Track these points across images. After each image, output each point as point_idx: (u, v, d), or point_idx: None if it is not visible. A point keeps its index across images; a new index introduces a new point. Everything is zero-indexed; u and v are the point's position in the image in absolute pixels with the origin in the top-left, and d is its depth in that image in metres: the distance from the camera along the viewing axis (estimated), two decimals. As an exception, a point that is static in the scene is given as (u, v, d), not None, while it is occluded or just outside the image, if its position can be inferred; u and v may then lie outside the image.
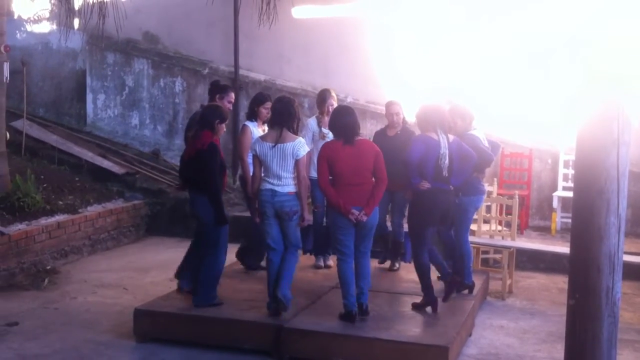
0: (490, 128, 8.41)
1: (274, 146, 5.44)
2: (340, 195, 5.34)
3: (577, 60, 3.01)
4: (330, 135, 6.79)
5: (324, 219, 7.04)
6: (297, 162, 5.45)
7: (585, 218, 2.99)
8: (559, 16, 3.02)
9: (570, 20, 3.04)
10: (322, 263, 7.11)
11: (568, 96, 3.05)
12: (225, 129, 5.83)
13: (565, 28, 3.04)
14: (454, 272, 6.11)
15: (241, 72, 10.76)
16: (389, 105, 6.82)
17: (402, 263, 7.06)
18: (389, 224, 7.02)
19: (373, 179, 5.45)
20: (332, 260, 7.07)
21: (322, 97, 6.95)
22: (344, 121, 5.44)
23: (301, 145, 5.48)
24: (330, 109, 6.91)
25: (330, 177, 5.43)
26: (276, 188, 5.44)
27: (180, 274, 6.22)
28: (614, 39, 2.96)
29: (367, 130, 9.49)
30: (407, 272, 6.81)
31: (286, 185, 5.45)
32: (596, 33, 2.96)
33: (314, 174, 6.83)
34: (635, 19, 2.94)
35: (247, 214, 6.84)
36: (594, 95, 2.97)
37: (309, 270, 6.93)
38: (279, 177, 5.44)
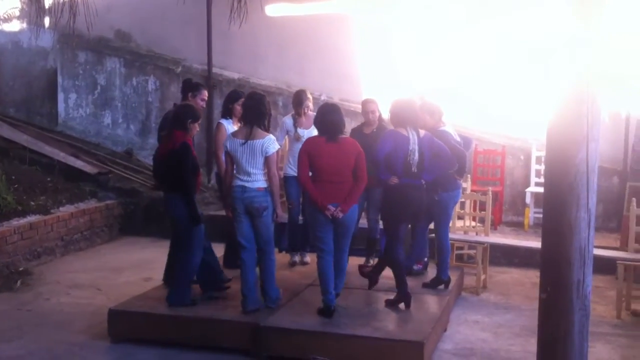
0: (463, 125, 8.51)
1: (244, 143, 5.46)
2: (319, 191, 5.37)
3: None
4: (306, 135, 6.82)
5: (299, 216, 7.06)
6: (266, 159, 5.47)
7: (556, 213, 3.03)
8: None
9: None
10: (297, 260, 7.12)
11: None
12: (198, 129, 5.82)
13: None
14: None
15: (215, 70, 10.72)
16: (365, 103, 6.85)
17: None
18: (364, 221, 7.05)
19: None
20: (309, 257, 7.08)
21: (299, 98, 6.95)
22: (329, 119, 5.47)
23: (271, 143, 5.50)
24: (307, 110, 6.93)
25: (310, 173, 5.45)
26: (246, 184, 5.47)
27: (168, 279, 6.19)
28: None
29: (342, 128, 9.49)
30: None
31: (256, 181, 5.48)
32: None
33: (288, 171, 6.86)
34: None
35: (223, 212, 6.81)
36: (564, 92, 3.01)
37: (286, 268, 6.93)
38: (249, 174, 5.47)
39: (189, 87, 6.45)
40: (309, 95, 7.01)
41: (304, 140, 6.74)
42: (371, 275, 6.06)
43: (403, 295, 5.71)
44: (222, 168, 6.43)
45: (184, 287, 5.73)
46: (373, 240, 7.01)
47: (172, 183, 5.65)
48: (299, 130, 6.89)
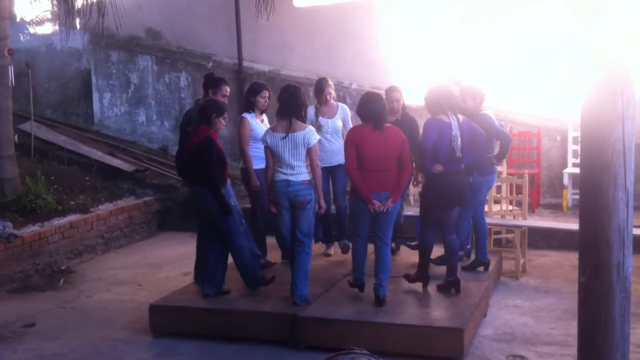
0: (498, 107, 8.40)
1: (285, 136, 5.45)
2: (364, 180, 5.36)
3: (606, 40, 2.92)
4: (329, 125, 6.79)
5: (331, 206, 7.02)
6: (309, 151, 5.48)
7: (593, 194, 2.96)
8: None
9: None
10: (331, 251, 7.11)
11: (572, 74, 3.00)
12: (224, 123, 5.83)
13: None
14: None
15: (245, 63, 10.77)
16: (389, 92, 6.79)
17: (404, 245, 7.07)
18: None
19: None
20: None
21: (320, 86, 6.92)
22: (372, 107, 5.45)
23: (312, 134, 5.50)
24: (329, 98, 6.90)
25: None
26: (290, 178, 5.47)
27: (198, 278, 6.23)
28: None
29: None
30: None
31: (299, 174, 5.48)
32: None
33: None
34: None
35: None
36: (597, 71, 2.94)
37: (322, 258, 6.94)
38: (292, 167, 5.46)
39: (210, 84, 6.39)
40: (331, 83, 6.96)
41: (326, 129, 6.75)
42: (419, 276, 5.93)
43: (422, 275, 5.78)
44: (248, 162, 6.44)
45: (254, 270, 5.87)
46: (399, 226, 6.91)
47: (201, 177, 5.70)
48: (321, 119, 6.84)
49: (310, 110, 6.92)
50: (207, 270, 5.84)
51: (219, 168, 5.72)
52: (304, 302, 5.49)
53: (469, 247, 6.62)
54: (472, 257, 6.54)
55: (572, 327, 5.33)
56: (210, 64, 10.99)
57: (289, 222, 5.58)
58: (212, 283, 5.78)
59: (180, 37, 11.33)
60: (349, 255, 6.68)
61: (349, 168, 5.48)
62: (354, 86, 10.06)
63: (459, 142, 5.60)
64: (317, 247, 7.07)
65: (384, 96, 6.80)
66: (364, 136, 5.40)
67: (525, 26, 9.18)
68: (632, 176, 2.98)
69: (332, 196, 7.01)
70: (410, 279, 5.84)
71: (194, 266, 6.36)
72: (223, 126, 5.85)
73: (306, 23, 10.47)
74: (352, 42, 10.22)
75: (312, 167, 5.50)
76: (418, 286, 5.90)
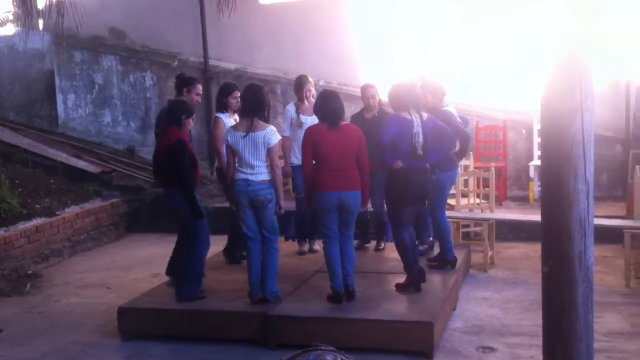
0: (463, 101, 8.48)
1: (246, 135, 5.42)
2: (327, 179, 5.35)
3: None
4: (308, 122, 6.79)
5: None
6: (269, 151, 5.44)
7: (554, 185, 2.99)
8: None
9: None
10: (305, 249, 7.12)
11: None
12: (192, 124, 5.80)
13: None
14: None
15: (211, 62, 10.70)
16: (364, 89, 6.82)
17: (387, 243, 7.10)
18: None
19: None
20: (318, 245, 7.07)
21: (300, 83, 6.93)
22: (329, 106, 5.45)
23: (272, 134, 5.46)
24: (308, 94, 6.89)
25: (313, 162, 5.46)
26: (249, 177, 5.43)
27: (170, 270, 6.19)
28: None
29: (341, 112, 9.47)
30: (391, 252, 6.83)
31: (259, 174, 5.44)
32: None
33: (294, 160, 6.83)
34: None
35: (227, 204, 6.81)
36: (556, 63, 2.97)
37: (293, 256, 6.94)
38: (252, 167, 5.43)
39: (183, 83, 6.36)
40: (311, 80, 6.96)
41: (305, 127, 6.73)
42: (410, 280, 5.77)
43: (413, 278, 5.68)
44: (223, 162, 6.41)
45: (193, 281, 5.75)
46: (381, 224, 6.96)
47: (172, 179, 5.65)
48: (301, 117, 6.85)
49: (291, 108, 6.96)
50: (184, 274, 5.80)
51: (191, 170, 5.67)
52: (275, 299, 5.48)
53: (431, 239, 6.66)
54: (436, 249, 6.57)
55: (540, 318, 5.39)
56: (176, 63, 10.91)
57: (251, 221, 5.53)
58: (190, 287, 5.72)
59: (144, 36, 11.21)
60: (319, 253, 6.72)
61: (304, 170, 5.51)
62: (321, 83, 10.05)
63: (421, 139, 5.60)
64: (289, 246, 7.09)
65: (361, 93, 6.85)
66: (321, 136, 5.40)
67: (506, 24, 9.25)
68: (592, 167, 3.02)
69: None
70: (401, 286, 5.68)
71: (168, 262, 6.27)
72: (191, 127, 5.82)
73: (273, 20, 10.45)
74: (319, 39, 10.22)
75: (271, 167, 5.47)
76: (389, 282, 5.92)
